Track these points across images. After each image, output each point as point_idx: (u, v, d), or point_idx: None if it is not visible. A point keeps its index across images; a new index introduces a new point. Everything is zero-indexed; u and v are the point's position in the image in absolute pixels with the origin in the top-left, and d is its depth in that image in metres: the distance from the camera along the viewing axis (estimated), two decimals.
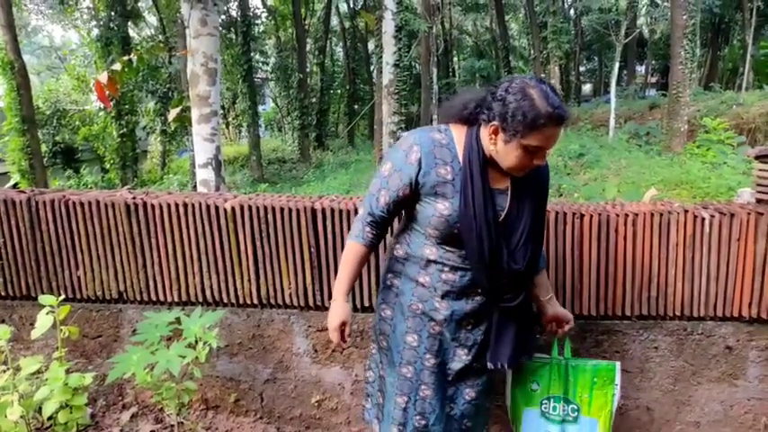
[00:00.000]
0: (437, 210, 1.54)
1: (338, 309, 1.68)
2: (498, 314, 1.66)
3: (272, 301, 2.30)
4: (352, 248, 1.68)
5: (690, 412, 2.23)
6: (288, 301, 2.29)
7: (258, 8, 22.70)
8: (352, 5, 23.59)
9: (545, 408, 1.91)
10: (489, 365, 1.68)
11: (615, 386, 1.90)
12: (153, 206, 2.27)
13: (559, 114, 1.41)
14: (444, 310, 1.64)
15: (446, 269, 1.62)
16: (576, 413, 1.90)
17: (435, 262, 1.62)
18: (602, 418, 1.90)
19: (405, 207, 1.65)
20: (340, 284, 1.69)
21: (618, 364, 1.93)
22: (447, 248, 1.60)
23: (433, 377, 1.68)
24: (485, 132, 1.51)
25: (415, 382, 1.70)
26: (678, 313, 2.14)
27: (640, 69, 28.44)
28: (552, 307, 1.83)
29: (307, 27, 22.24)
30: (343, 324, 1.69)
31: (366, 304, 2.24)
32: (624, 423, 2.26)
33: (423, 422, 1.70)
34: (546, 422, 1.91)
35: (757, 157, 2.26)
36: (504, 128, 1.45)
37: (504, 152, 1.48)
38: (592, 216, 2.10)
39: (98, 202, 2.29)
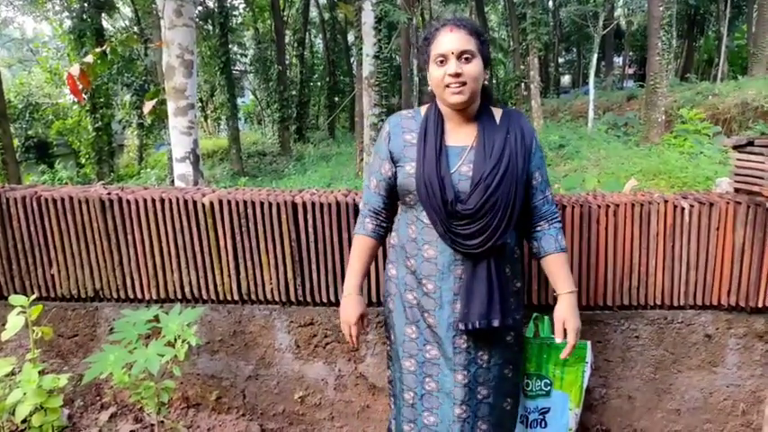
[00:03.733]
0: (406, 171, 1.63)
1: (352, 302, 1.71)
2: (471, 268, 1.59)
3: (253, 296, 2.27)
4: (355, 242, 1.75)
5: (671, 400, 2.26)
6: (269, 296, 2.26)
7: None
8: None
9: (525, 384, 2.00)
10: (460, 326, 1.58)
11: (586, 363, 1.97)
12: (129, 202, 2.22)
13: (444, 20, 1.60)
14: (433, 292, 1.63)
15: (426, 246, 1.63)
16: (549, 387, 1.99)
17: (416, 240, 1.65)
18: (573, 392, 1.99)
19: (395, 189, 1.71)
20: (349, 279, 1.73)
21: (588, 343, 1.97)
22: (425, 222, 1.62)
23: (436, 368, 1.64)
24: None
25: (419, 375, 1.67)
26: (659, 302, 2.16)
27: (618, 61, 28.71)
28: (559, 305, 1.68)
29: (285, 18, 22.03)
30: (362, 316, 1.72)
31: None
32: (607, 412, 2.28)
33: (431, 419, 1.65)
34: (524, 398, 2.00)
35: (735, 147, 2.29)
36: (423, 56, 1.63)
37: (431, 77, 1.60)
38: (573, 207, 2.11)
39: (71, 199, 2.22)
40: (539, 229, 1.70)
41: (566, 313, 1.66)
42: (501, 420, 1.71)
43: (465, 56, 1.53)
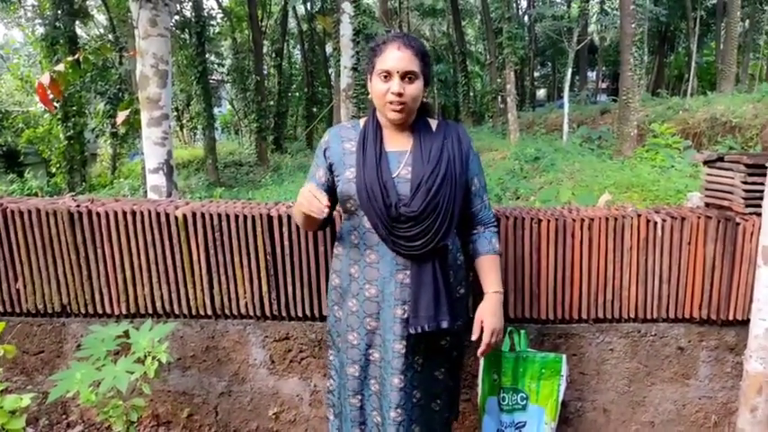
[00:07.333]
0: (346, 177, 1.65)
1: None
2: (416, 272, 1.60)
3: (227, 311, 2.23)
4: None
5: (644, 412, 2.27)
6: (243, 310, 2.22)
7: (213, 9, 22.29)
8: (309, 8, 23.42)
9: (501, 398, 2.00)
10: (411, 330, 1.60)
11: (561, 377, 1.98)
12: (98, 214, 2.16)
13: (393, 36, 1.61)
14: (375, 297, 1.65)
15: (368, 251, 1.65)
16: (525, 401, 2.00)
17: (358, 246, 1.67)
18: (549, 406, 2.00)
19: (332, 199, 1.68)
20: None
21: (564, 356, 1.99)
22: (366, 227, 1.64)
23: (379, 371, 1.69)
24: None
25: (364, 379, 1.71)
26: (632, 315, 2.18)
27: (591, 75, 29.27)
28: (482, 303, 1.71)
29: (263, 29, 21.98)
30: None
31: (325, 313, 2.19)
32: (582, 425, 2.28)
33: (378, 418, 1.70)
34: (500, 412, 2.00)
35: (705, 163, 2.33)
36: (368, 70, 1.66)
37: (373, 91, 1.63)
38: (549, 221, 2.12)
39: (38, 211, 2.16)
40: (475, 232, 1.76)
41: (486, 312, 1.69)
42: (429, 422, 1.74)
43: (409, 76, 1.59)
